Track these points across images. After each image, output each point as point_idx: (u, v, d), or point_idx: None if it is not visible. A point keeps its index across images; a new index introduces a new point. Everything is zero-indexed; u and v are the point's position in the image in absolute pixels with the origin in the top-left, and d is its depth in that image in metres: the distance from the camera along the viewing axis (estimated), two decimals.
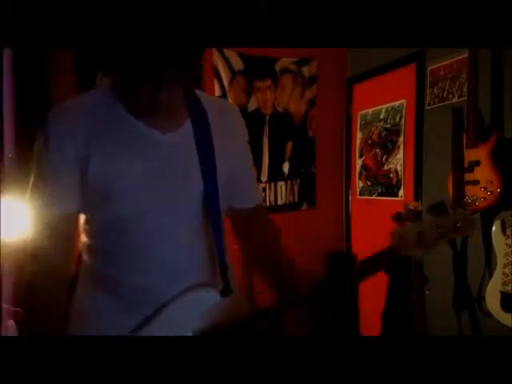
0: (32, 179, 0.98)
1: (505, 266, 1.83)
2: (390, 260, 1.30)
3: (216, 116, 1.03)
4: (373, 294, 2.65)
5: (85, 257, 1.06)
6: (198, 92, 1.07)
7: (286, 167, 3.00)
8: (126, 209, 0.96)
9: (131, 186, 0.95)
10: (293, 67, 3.02)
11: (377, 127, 2.80)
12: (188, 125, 1.00)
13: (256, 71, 2.89)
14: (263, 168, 2.90)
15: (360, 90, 3.02)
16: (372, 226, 2.67)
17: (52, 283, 1.00)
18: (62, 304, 1.03)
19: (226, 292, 1.00)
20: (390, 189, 2.69)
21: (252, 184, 1.19)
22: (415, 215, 1.61)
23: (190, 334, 0.99)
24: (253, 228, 1.16)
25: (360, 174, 2.97)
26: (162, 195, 0.97)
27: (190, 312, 0.97)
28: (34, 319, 1.01)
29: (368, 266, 1.07)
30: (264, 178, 2.91)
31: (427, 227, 1.02)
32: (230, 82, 2.90)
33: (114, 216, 0.97)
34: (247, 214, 1.15)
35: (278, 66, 2.96)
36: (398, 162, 2.63)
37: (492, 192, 1.83)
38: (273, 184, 2.95)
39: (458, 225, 1.01)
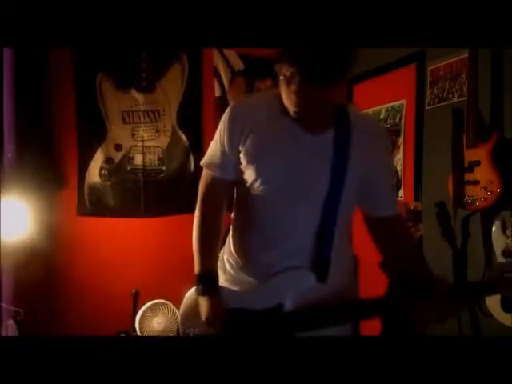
0: (211, 145, 1.32)
1: None
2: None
3: (360, 131, 1.20)
4: (373, 293, 2.65)
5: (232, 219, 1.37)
6: (349, 107, 1.24)
7: None
8: (259, 188, 1.21)
9: (269, 171, 1.20)
10: None
11: None
12: (331, 133, 1.18)
13: (256, 71, 2.90)
14: None
15: (360, 90, 3.01)
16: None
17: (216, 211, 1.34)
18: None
19: (321, 279, 1.19)
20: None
21: (387, 196, 1.28)
22: (415, 215, 1.61)
23: (284, 304, 1.20)
24: (390, 238, 1.28)
25: None
26: (292, 185, 1.18)
27: (286, 287, 1.20)
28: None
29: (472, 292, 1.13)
30: None
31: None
32: (230, 82, 2.90)
33: (252, 191, 1.23)
34: (383, 223, 1.26)
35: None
36: (398, 162, 2.63)
37: (492, 192, 1.83)
38: None
39: None
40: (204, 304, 1.28)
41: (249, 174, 1.23)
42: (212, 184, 1.33)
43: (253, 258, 1.27)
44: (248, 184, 1.24)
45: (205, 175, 1.35)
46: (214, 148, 1.31)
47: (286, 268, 1.20)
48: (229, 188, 1.33)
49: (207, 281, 1.29)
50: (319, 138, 1.17)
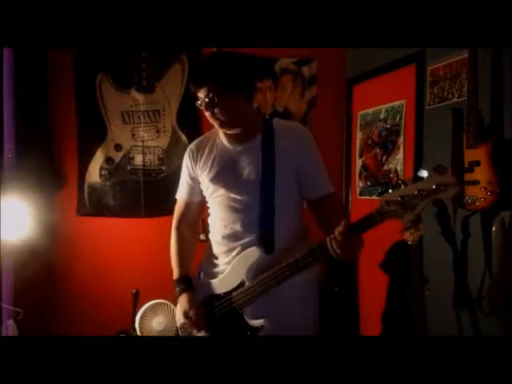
0: (180, 181, 1.69)
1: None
2: (390, 260, 1.30)
3: (282, 132, 1.51)
4: (373, 293, 2.65)
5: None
6: (274, 119, 1.57)
7: None
8: (215, 195, 1.55)
9: (217, 179, 1.53)
10: (293, 67, 3.02)
11: (377, 127, 2.80)
12: (258, 139, 1.50)
13: (256, 71, 2.89)
14: None
15: (360, 90, 3.02)
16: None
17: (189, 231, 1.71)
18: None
19: (268, 251, 1.46)
20: (390, 189, 2.68)
21: (319, 179, 1.53)
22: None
23: (243, 279, 1.47)
24: (325, 213, 1.51)
25: (360, 174, 2.97)
26: (235, 185, 1.50)
27: (244, 265, 1.47)
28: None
29: (355, 227, 1.28)
30: None
31: (408, 190, 1.23)
32: None
33: (212, 199, 1.57)
34: (319, 202, 1.52)
35: (277, 66, 2.96)
36: (398, 162, 2.63)
37: (492, 192, 1.83)
38: None
39: (440, 187, 1.17)
40: (182, 301, 1.56)
41: (207, 187, 1.57)
42: (185, 209, 1.68)
43: (218, 249, 1.57)
44: (209, 195, 1.58)
45: (177, 203, 1.71)
46: (181, 181, 1.68)
47: (239, 250, 1.49)
48: (197, 209, 1.69)
49: (182, 283, 1.59)
50: (247, 146, 1.51)
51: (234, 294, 1.47)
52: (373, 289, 2.71)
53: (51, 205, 2.62)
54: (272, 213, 1.48)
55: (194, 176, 1.62)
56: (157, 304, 2.53)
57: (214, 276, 1.55)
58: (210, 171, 1.55)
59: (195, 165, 1.61)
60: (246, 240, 1.49)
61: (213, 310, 1.52)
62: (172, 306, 2.53)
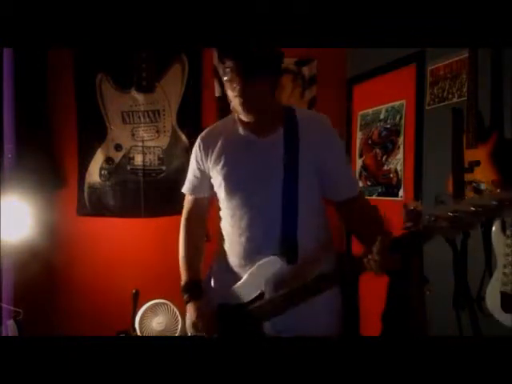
0: (188, 174, 1.54)
1: (505, 266, 1.82)
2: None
3: (307, 126, 1.35)
4: (373, 293, 2.65)
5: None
6: (296, 108, 1.42)
7: None
8: (229, 194, 1.38)
9: (233, 177, 1.37)
10: (293, 67, 3.02)
11: (377, 127, 2.80)
12: (280, 133, 1.35)
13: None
14: None
15: (360, 90, 3.01)
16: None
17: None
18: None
19: (291, 261, 1.31)
20: (390, 189, 2.68)
21: (346, 180, 1.41)
22: (415, 215, 1.61)
23: (262, 291, 1.32)
24: (355, 216, 1.40)
25: (360, 174, 2.97)
26: (253, 185, 1.34)
27: (264, 276, 1.32)
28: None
29: (396, 245, 1.15)
30: None
31: (462, 205, 1.06)
32: None
33: (225, 199, 1.40)
34: (347, 205, 1.40)
35: None
36: (398, 162, 2.63)
37: (492, 192, 1.83)
38: None
39: (504, 203, 1.02)
40: (191, 309, 1.43)
41: (217, 184, 1.41)
42: (191, 205, 1.55)
43: (233, 255, 1.41)
44: (221, 193, 1.41)
45: (186, 200, 1.57)
46: (190, 175, 1.53)
47: (260, 259, 1.33)
48: (206, 205, 1.54)
49: (191, 289, 1.46)
50: (269, 139, 1.35)
51: (253, 306, 1.33)
52: (373, 289, 2.71)
53: (51, 205, 2.62)
54: (295, 217, 1.33)
55: (204, 170, 1.45)
56: (157, 304, 2.53)
57: (229, 284, 1.39)
58: (224, 166, 1.38)
59: (206, 157, 1.43)
60: (266, 247, 1.33)
61: (228, 321, 1.38)
62: (172, 306, 2.53)
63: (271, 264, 1.32)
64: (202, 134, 1.50)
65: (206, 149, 1.43)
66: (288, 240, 1.32)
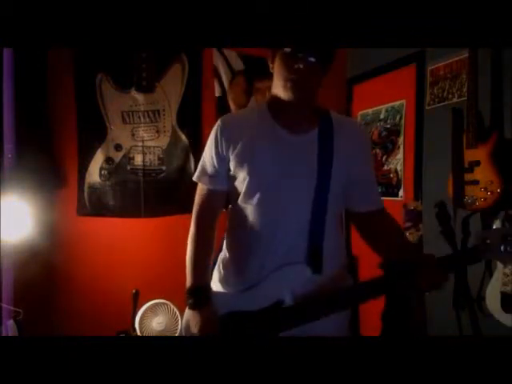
0: (201, 160, 1.38)
1: (505, 266, 1.83)
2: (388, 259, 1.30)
3: (342, 131, 1.30)
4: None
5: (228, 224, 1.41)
6: (331, 111, 1.37)
7: None
8: (251, 190, 1.26)
9: (259, 172, 1.26)
10: None
11: (377, 127, 2.80)
12: (315, 134, 1.28)
13: (256, 71, 2.89)
14: None
15: (360, 90, 3.02)
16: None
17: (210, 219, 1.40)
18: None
19: (316, 271, 1.23)
20: (390, 189, 2.69)
21: (372, 192, 1.38)
22: (415, 215, 1.62)
23: (283, 300, 1.23)
24: (376, 229, 1.35)
25: None
26: (281, 184, 1.24)
27: (284, 283, 1.23)
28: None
29: (441, 262, 1.16)
30: None
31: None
32: (230, 82, 2.90)
33: (244, 193, 1.28)
34: (369, 216, 1.35)
35: None
36: (398, 162, 2.63)
37: (492, 192, 1.83)
38: None
39: None
40: (195, 318, 1.31)
41: (240, 179, 1.29)
42: (206, 197, 1.38)
43: (249, 258, 1.30)
44: (240, 188, 1.30)
45: (199, 190, 1.40)
46: (204, 162, 1.37)
47: (281, 265, 1.24)
48: (222, 199, 1.39)
49: (197, 295, 1.33)
50: (303, 139, 1.28)
51: (269, 315, 1.23)
52: None
53: (51, 205, 2.62)
54: (323, 225, 1.25)
55: (225, 158, 1.30)
56: (157, 304, 2.53)
57: (240, 289, 1.30)
58: (251, 160, 1.25)
59: (228, 146, 1.28)
60: (290, 252, 1.25)
61: (240, 329, 1.27)
62: (172, 306, 2.53)
63: (297, 272, 1.23)
64: (224, 117, 1.37)
65: (228, 137, 1.30)
66: (314, 248, 1.24)
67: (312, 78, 1.23)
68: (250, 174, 1.26)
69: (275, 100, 1.30)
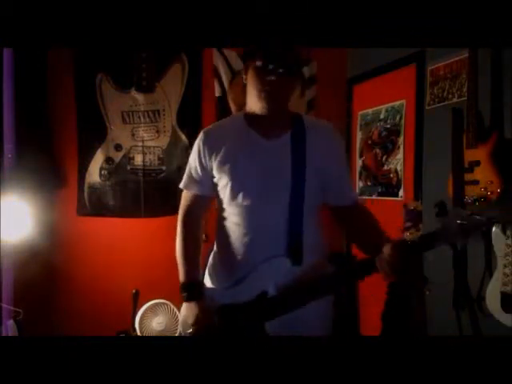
0: (187, 170, 1.50)
1: (505, 266, 1.83)
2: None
3: (314, 132, 1.40)
4: (373, 294, 2.65)
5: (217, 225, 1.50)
6: (303, 115, 1.48)
7: None
8: (233, 192, 1.37)
9: (238, 174, 1.37)
10: None
11: (377, 127, 2.80)
12: (288, 136, 1.38)
13: None
14: None
15: (360, 90, 3.02)
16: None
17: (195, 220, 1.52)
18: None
19: (296, 262, 1.33)
20: (390, 189, 2.69)
21: (348, 185, 1.48)
22: (415, 215, 1.63)
23: (267, 291, 1.32)
24: (352, 223, 1.44)
25: (360, 174, 2.97)
26: (260, 184, 1.35)
27: (267, 275, 1.33)
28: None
29: (410, 246, 1.20)
30: None
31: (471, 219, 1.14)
32: (230, 82, 2.90)
33: (228, 196, 1.39)
34: (345, 210, 1.44)
35: None
36: (398, 162, 2.63)
37: (492, 192, 1.83)
38: None
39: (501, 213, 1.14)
40: (190, 309, 1.42)
41: (223, 183, 1.40)
42: (191, 202, 1.50)
43: (235, 255, 1.41)
44: (223, 192, 1.41)
45: (184, 196, 1.52)
46: (190, 171, 1.48)
47: (264, 259, 1.34)
48: (206, 204, 1.52)
49: (191, 288, 1.44)
50: (277, 143, 1.38)
51: (257, 305, 1.33)
52: (373, 289, 2.71)
53: (51, 205, 2.62)
54: (301, 220, 1.36)
55: (207, 166, 1.43)
56: (157, 304, 2.53)
57: (227, 283, 1.40)
58: (231, 166, 1.38)
59: (210, 154, 1.41)
60: (272, 248, 1.35)
61: (229, 320, 1.37)
62: (172, 306, 2.53)
63: (279, 264, 1.33)
64: (206, 129, 1.48)
65: (210, 147, 1.41)
66: (294, 242, 1.35)
67: (283, 89, 1.34)
68: (231, 178, 1.38)
69: (250, 109, 1.42)
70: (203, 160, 1.42)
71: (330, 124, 1.49)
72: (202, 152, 1.42)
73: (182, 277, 1.47)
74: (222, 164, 1.39)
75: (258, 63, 1.31)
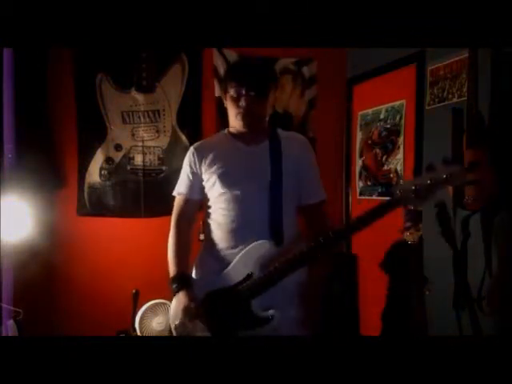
0: (179, 179, 1.72)
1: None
2: (390, 259, 1.31)
3: (287, 141, 1.66)
4: (373, 294, 2.65)
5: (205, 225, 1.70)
6: (277, 129, 1.70)
7: None
8: (221, 190, 1.59)
9: (225, 176, 1.59)
10: (293, 67, 3.02)
11: (377, 127, 2.80)
12: (266, 144, 1.63)
13: None
14: None
15: (360, 90, 3.02)
16: (372, 225, 2.65)
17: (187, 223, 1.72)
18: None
19: (278, 244, 1.53)
20: (390, 189, 2.69)
21: (317, 185, 1.70)
22: (415, 215, 1.64)
23: (251, 271, 1.50)
24: (314, 218, 1.68)
25: (360, 173, 2.97)
26: (244, 183, 1.57)
27: (254, 258, 1.52)
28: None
29: (370, 215, 1.40)
30: None
31: (421, 179, 1.31)
32: None
33: (216, 193, 1.61)
34: (313, 208, 1.67)
35: (277, 67, 2.96)
36: (398, 162, 2.63)
37: (492, 192, 1.83)
38: None
39: (450, 176, 1.27)
40: (179, 298, 1.55)
41: (211, 183, 1.61)
42: (183, 205, 1.70)
43: (223, 240, 1.59)
44: (211, 191, 1.62)
45: (177, 200, 1.72)
46: (182, 179, 1.71)
47: (251, 242, 1.53)
48: (196, 207, 1.72)
49: (180, 280, 1.59)
50: (257, 148, 1.62)
51: (242, 286, 1.49)
52: (373, 289, 2.71)
53: (51, 205, 2.62)
54: (280, 207, 1.57)
55: (197, 173, 1.65)
56: (157, 304, 2.53)
57: (217, 269, 1.57)
58: (218, 167, 1.60)
59: (200, 163, 1.64)
60: (256, 233, 1.53)
61: (217, 304, 1.52)
62: None
63: (261, 246, 1.52)
64: (195, 144, 1.72)
65: (200, 156, 1.65)
66: (275, 226, 1.56)
67: (256, 108, 1.58)
68: (218, 176, 1.59)
69: (232, 126, 1.67)
70: (193, 166, 1.65)
71: (302, 136, 1.74)
72: (192, 160, 1.66)
73: (171, 272, 1.62)
74: (210, 166, 1.62)
75: (231, 91, 1.57)
